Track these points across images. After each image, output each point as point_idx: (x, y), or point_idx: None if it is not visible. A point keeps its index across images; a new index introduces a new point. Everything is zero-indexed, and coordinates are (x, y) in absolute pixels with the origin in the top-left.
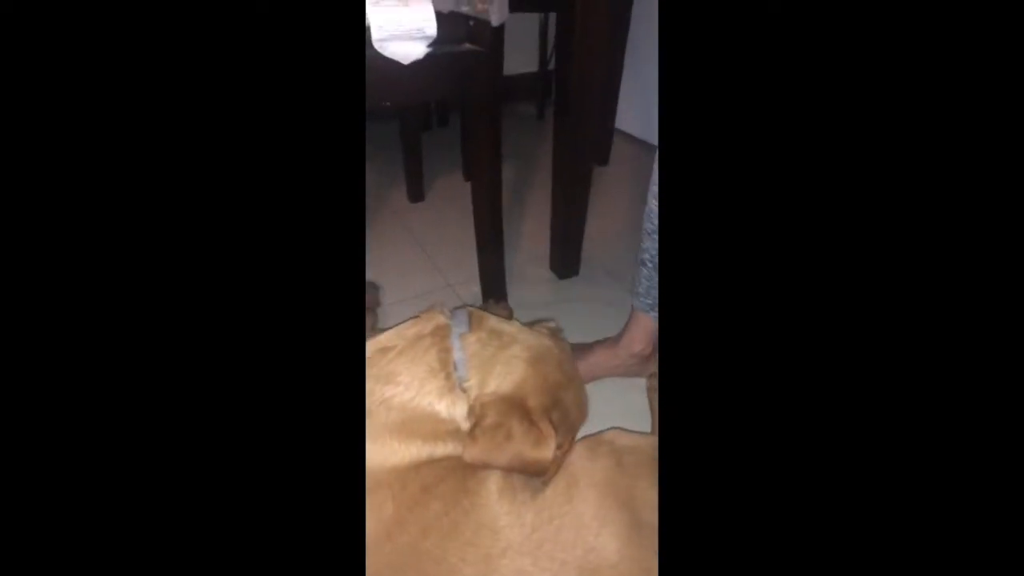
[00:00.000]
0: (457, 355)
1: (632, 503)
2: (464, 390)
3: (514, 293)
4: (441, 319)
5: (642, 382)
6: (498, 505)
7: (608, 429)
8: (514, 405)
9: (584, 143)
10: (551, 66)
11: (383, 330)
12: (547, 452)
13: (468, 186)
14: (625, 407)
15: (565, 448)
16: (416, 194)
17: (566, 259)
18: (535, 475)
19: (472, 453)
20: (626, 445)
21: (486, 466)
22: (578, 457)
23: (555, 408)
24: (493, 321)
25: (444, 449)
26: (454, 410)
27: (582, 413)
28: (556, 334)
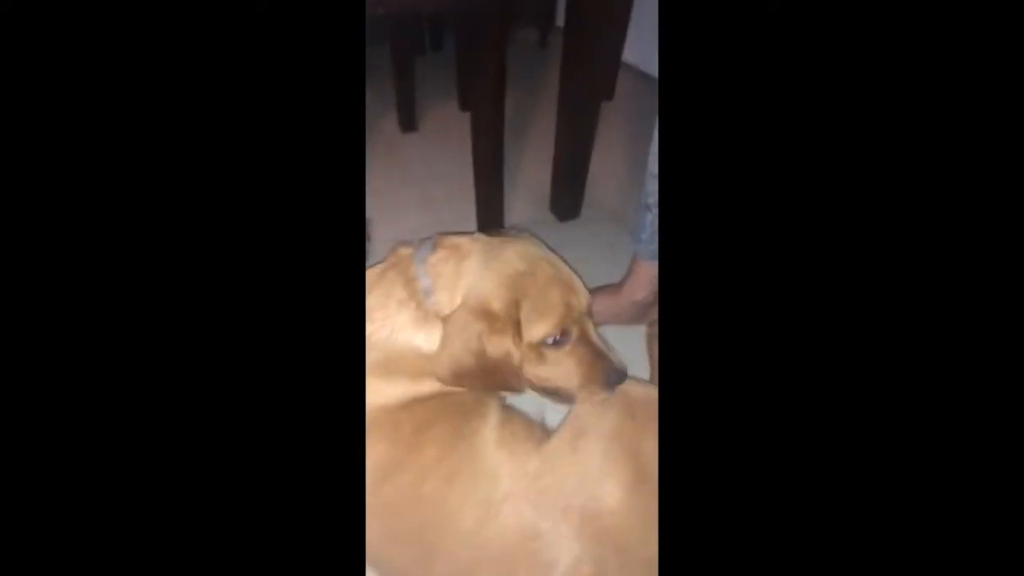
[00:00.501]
0: (425, 281)
1: (639, 454)
2: (438, 314)
3: None
4: (404, 250)
5: (642, 329)
6: (496, 453)
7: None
8: (474, 311)
9: (595, 73)
10: None
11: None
12: (510, 347)
13: (464, 116)
14: (624, 354)
15: (570, 331)
16: (408, 123)
17: (568, 200)
18: (512, 377)
19: (438, 365)
20: (640, 396)
21: (456, 378)
22: (588, 407)
23: (524, 298)
24: (452, 238)
25: (431, 386)
26: (433, 341)
27: (568, 290)
28: (522, 232)
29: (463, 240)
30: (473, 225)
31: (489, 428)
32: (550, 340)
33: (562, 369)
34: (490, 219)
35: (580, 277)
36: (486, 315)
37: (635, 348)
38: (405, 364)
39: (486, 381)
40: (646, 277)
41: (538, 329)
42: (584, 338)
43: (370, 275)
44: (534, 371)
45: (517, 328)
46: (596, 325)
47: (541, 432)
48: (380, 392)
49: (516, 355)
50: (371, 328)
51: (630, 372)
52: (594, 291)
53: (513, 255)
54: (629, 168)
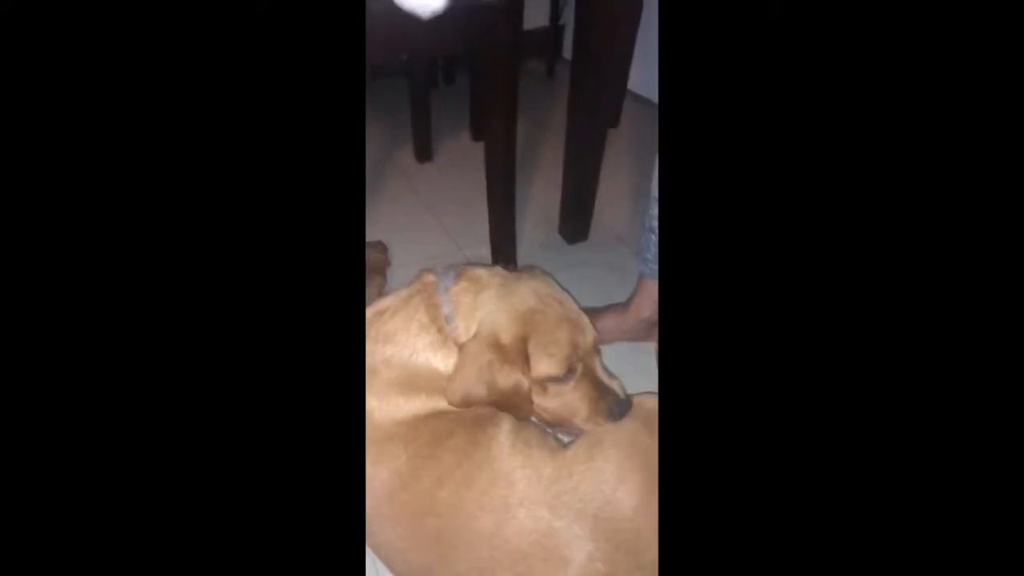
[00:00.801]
0: (446, 308)
1: (653, 464)
2: (456, 340)
3: (522, 257)
4: (429, 277)
5: (650, 346)
6: (511, 459)
7: (640, 393)
8: (486, 342)
9: (601, 103)
10: (562, 20)
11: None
12: (519, 378)
13: (476, 146)
14: (633, 372)
15: (575, 368)
16: (424, 154)
17: (576, 223)
18: (522, 404)
19: (450, 390)
20: (654, 409)
21: (467, 402)
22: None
23: (534, 334)
24: (474, 270)
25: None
26: (450, 363)
27: (576, 329)
28: (534, 270)
29: (483, 272)
30: (486, 250)
31: (503, 435)
32: (555, 376)
33: (566, 402)
34: (503, 244)
35: (589, 297)
36: (497, 347)
37: (642, 365)
38: (423, 383)
39: (495, 408)
40: (651, 296)
41: (545, 365)
42: (589, 374)
43: (395, 299)
44: (540, 402)
45: (526, 360)
46: (606, 343)
47: (555, 441)
48: (399, 407)
49: (525, 385)
50: (394, 349)
51: (642, 386)
52: (602, 310)
53: (527, 292)
54: (634, 192)
